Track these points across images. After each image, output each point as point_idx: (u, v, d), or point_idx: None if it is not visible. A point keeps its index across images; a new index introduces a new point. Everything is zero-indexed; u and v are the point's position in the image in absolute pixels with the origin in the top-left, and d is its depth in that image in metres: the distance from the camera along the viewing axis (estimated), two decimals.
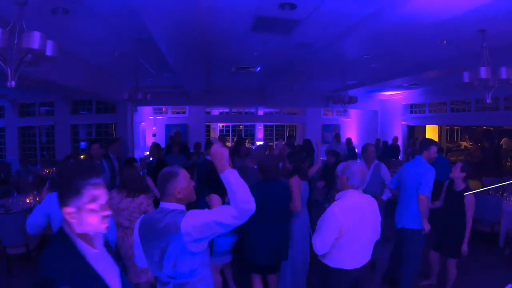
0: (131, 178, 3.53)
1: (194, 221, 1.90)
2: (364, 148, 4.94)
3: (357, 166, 2.77)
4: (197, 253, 1.98)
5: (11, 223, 4.35)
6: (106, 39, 5.06)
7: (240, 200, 1.86)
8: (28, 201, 5.20)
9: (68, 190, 1.39)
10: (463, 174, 3.79)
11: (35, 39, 2.91)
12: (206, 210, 2.00)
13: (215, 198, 2.93)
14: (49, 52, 3.18)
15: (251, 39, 5.29)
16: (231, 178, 1.90)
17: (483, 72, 3.95)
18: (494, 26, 3.90)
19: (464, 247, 3.75)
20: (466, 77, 4.29)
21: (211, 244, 3.55)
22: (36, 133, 11.66)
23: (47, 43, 3.12)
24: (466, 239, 3.75)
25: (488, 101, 4.18)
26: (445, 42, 4.77)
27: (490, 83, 4.02)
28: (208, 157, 4.54)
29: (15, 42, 2.90)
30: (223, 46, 5.80)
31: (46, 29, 4.07)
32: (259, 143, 14.80)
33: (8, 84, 2.96)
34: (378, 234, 2.93)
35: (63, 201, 1.39)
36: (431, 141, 4.08)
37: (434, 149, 3.80)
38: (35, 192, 5.44)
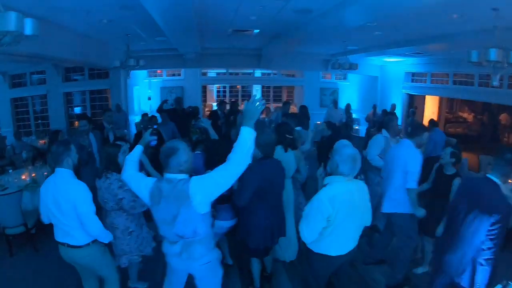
0: (103, 157, 3.37)
1: (200, 186, 2.27)
2: (387, 121, 4.81)
3: (348, 153, 2.63)
4: (203, 215, 2.34)
5: (9, 203, 4.27)
6: (92, 7, 4.71)
7: (239, 156, 2.22)
8: (23, 177, 5.08)
9: None
10: (453, 160, 3.77)
11: (10, 20, 2.66)
12: (207, 174, 2.34)
13: None
14: (28, 31, 2.93)
15: (247, 3, 4.93)
16: (245, 134, 2.23)
17: (493, 54, 3.74)
18: (508, 5, 3.61)
19: (440, 229, 3.61)
20: (474, 56, 4.08)
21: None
22: (29, 103, 11.38)
23: (25, 22, 2.86)
24: (445, 221, 3.65)
25: (496, 83, 4.00)
26: (455, 16, 4.47)
27: (499, 65, 3.82)
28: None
29: None
30: (218, 10, 5.42)
31: (27, 2, 3.80)
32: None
33: None
34: (369, 221, 2.89)
35: None
36: (423, 127, 3.98)
37: (426, 135, 3.78)
38: (29, 168, 5.34)
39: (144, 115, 6.14)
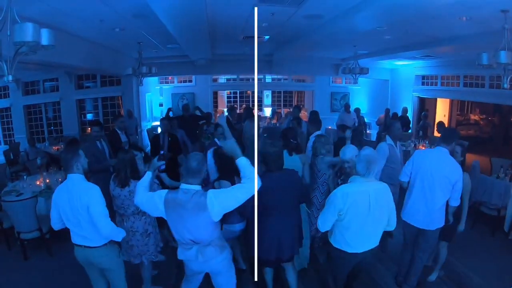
0: (119, 167, 3.44)
1: (218, 200, 2.48)
2: (388, 125, 4.78)
3: (363, 153, 2.80)
4: (217, 222, 2.60)
5: (24, 209, 4.36)
6: (105, 17, 4.83)
7: (250, 177, 2.52)
8: (38, 183, 5.19)
9: None
10: (461, 159, 3.80)
11: (28, 31, 2.75)
12: (224, 189, 2.61)
13: (225, 184, 3.30)
14: (44, 41, 3.02)
15: (259, 10, 5.00)
16: (244, 163, 2.57)
17: (503, 56, 3.69)
18: None
19: (462, 226, 3.77)
20: (484, 58, 4.03)
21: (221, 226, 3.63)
22: (42, 110, 11.64)
23: (41, 32, 2.95)
24: (463, 219, 3.76)
25: (506, 85, 3.95)
26: (464, 18, 4.44)
27: (510, 67, 3.78)
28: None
29: (8, 34, 2.75)
30: (229, 18, 5.52)
31: (41, 12, 3.92)
32: (267, 109, 14.66)
33: (6, 79, 2.86)
34: (391, 225, 2.94)
35: None
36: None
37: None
38: (44, 174, 5.46)
39: (163, 119, 6.27)
